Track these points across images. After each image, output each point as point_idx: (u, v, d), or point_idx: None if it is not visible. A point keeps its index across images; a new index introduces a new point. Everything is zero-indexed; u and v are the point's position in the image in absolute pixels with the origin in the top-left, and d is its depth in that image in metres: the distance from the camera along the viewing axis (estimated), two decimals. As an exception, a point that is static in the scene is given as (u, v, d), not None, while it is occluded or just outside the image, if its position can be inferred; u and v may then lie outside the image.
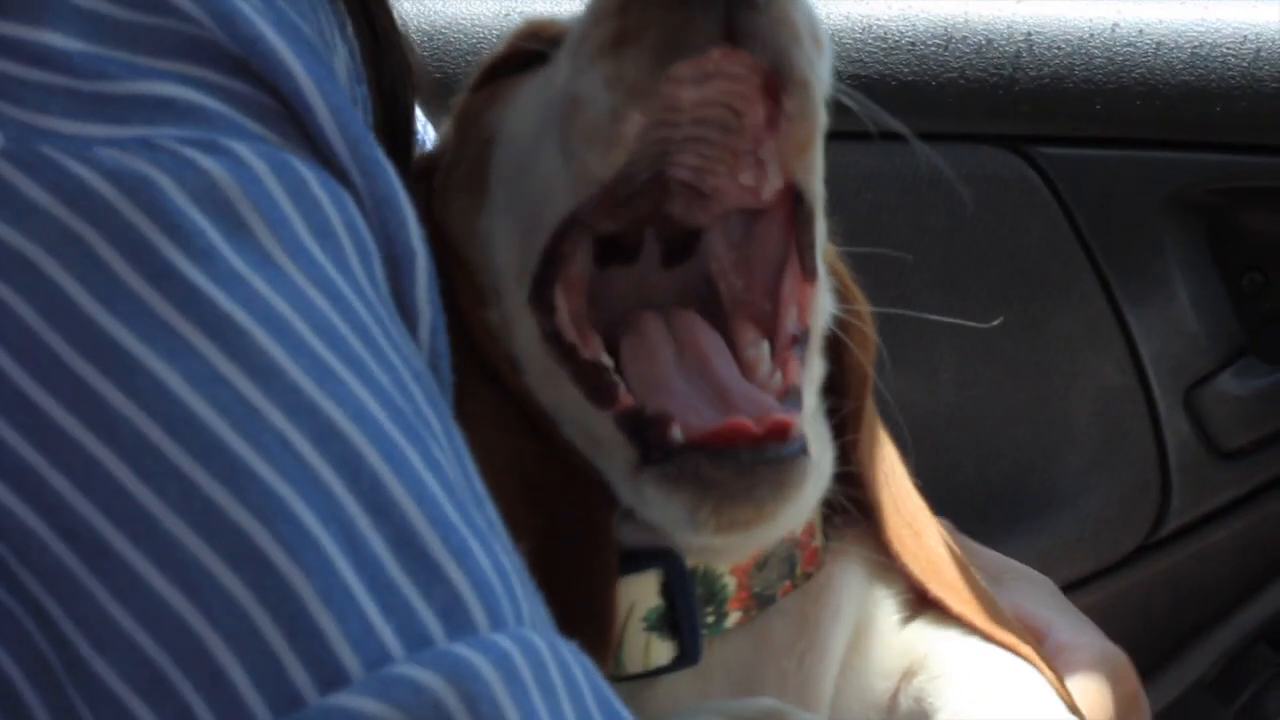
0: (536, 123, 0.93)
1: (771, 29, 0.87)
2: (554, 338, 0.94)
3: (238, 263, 0.69)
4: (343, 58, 0.82)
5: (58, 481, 0.67)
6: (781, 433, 0.88)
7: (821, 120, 0.92)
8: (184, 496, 0.66)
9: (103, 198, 0.68)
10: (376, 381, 0.70)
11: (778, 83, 0.89)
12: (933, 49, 1.89)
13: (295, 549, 0.66)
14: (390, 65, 0.91)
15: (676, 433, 0.89)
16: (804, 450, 0.90)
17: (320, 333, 0.69)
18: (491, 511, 0.73)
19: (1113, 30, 1.90)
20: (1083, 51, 1.89)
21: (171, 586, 0.65)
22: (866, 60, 1.88)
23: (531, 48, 0.99)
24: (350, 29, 0.85)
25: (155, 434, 0.66)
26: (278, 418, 0.67)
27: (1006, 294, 1.89)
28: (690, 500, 0.88)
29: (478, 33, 1.92)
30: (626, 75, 0.87)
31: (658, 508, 0.89)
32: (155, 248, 0.68)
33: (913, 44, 1.89)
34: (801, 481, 0.89)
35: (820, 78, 0.90)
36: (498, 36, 1.89)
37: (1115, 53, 1.89)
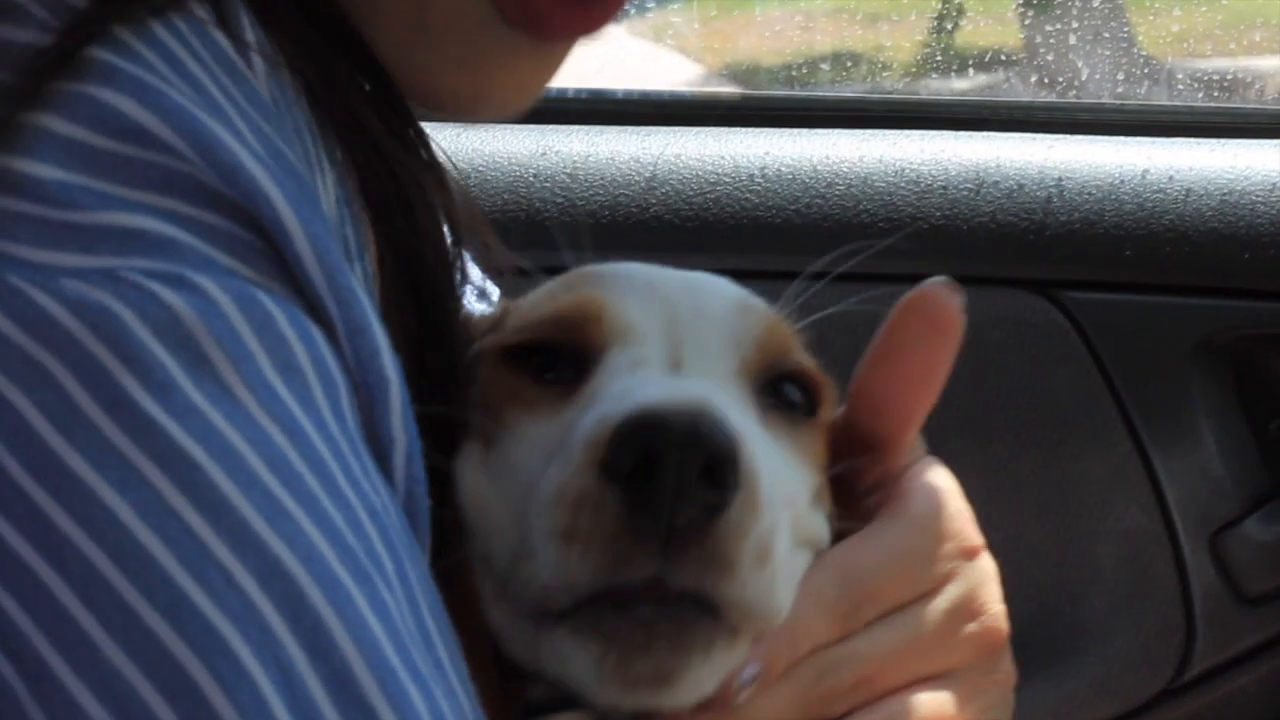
0: (525, 485, 0.93)
1: (700, 567, 0.86)
2: None
3: (197, 397, 0.69)
4: (330, 181, 0.83)
5: (7, 603, 0.67)
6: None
7: (768, 613, 0.90)
8: (126, 627, 0.66)
9: (64, 328, 0.69)
10: (329, 520, 0.70)
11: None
12: (964, 193, 1.91)
13: (231, 687, 0.66)
14: (393, 186, 0.90)
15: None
16: (714, 614, 0.88)
17: (275, 469, 0.70)
18: (442, 651, 0.73)
19: (1143, 176, 1.92)
20: (1113, 197, 1.90)
21: (107, 716, 0.65)
22: (899, 203, 1.90)
23: (553, 339, 0.99)
24: (339, 153, 0.85)
25: (103, 563, 0.67)
26: (224, 553, 0.68)
27: (1034, 437, 1.90)
28: (597, 652, 0.87)
29: (514, 170, 1.94)
30: (571, 572, 0.87)
31: (567, 663, 0.88)
32: (114, 379, 0.69)
33: (945, 187, 1.91)
34: (708, 647, 0.88)
35: (762, 589, 0.88)
36: (535, 175, 1.91)
37: (1145, 199, 1.90)
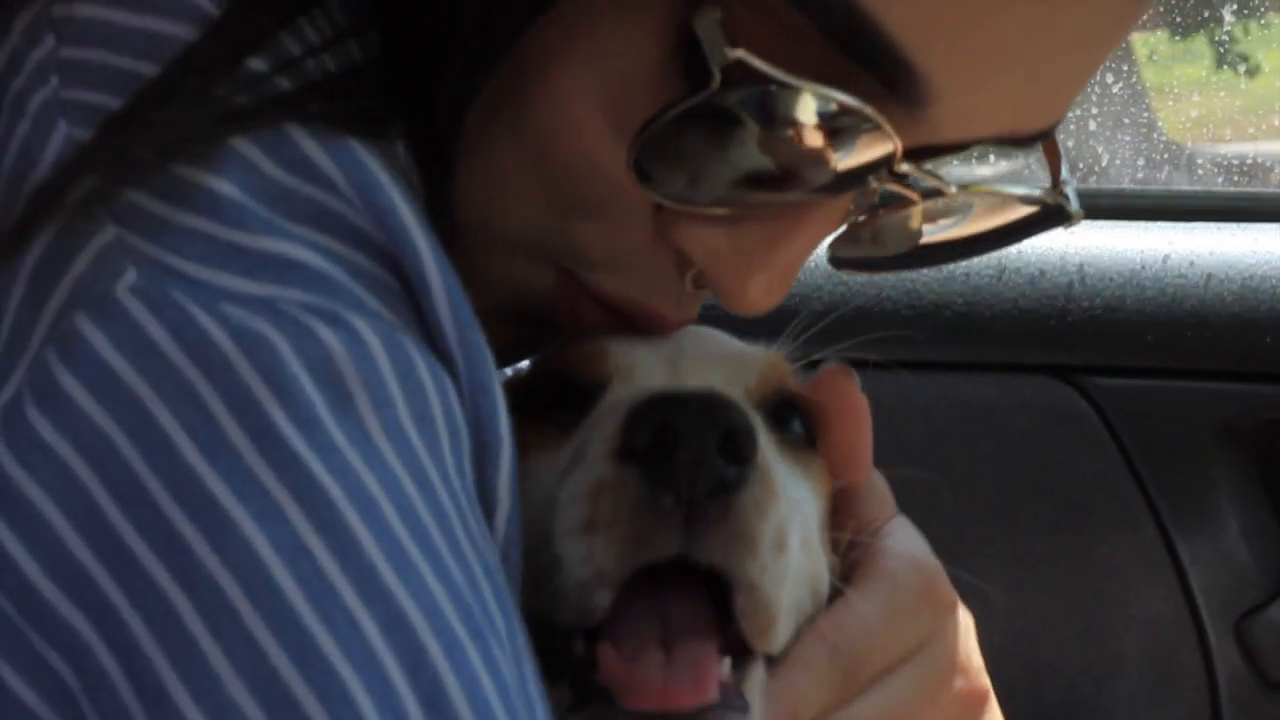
0: (542, 506, 0.93)
1: (723, 544, 0.87)
2: None
3: (339, 436, 0.70)
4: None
5: (135, 624, 0.67)
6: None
7: (779, 611, 0.90)
8: (250, 660, 0.66)
9: (221, 352, 0.69)
10: (450, 575, 0.70)
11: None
12: (987, 279, 1.92)
13: None
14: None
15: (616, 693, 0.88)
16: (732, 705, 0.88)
17: (405, 518, 0.70)
18: (542, 714, 0.73)
19: (1164, 262, 1.92)
20: (1135, 282, 1.91)
21: None
22: (922, 290, 1.91)
23: (556, 380, 1.01)
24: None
25: (234, 593, 0.67)
26: (351, 598, 0.68)
27: (1057, 522, 1.90)
28: None
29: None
30: (595, 559, 0.88)
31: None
32: (264, 409, 0.69)
33: (967, 274, 1.92)
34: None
35: (777, 578, 0.89)
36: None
37: (1166, 284, 1.91)
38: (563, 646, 0.89)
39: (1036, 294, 1.91)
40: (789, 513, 0.91)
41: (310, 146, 0.76)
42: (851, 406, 1.02)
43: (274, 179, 0.74)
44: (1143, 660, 1.90)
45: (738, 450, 0.86)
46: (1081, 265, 1.92)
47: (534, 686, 0.74)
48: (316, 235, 0.74)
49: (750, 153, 0.84)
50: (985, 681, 0.99)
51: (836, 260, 1.03)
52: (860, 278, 1.90)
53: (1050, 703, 1.89)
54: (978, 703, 0.99)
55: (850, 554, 1.01)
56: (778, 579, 0.89)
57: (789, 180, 0.85)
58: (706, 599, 0.90)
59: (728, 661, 0.89)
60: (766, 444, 0.92)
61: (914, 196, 0.93)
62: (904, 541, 1.00)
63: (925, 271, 1.91)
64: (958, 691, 0.97)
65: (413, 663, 0.68)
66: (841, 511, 1.03)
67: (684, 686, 0.88)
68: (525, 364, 1.20)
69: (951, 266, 1.92)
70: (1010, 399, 1.88)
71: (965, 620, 1.01)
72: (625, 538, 0.87)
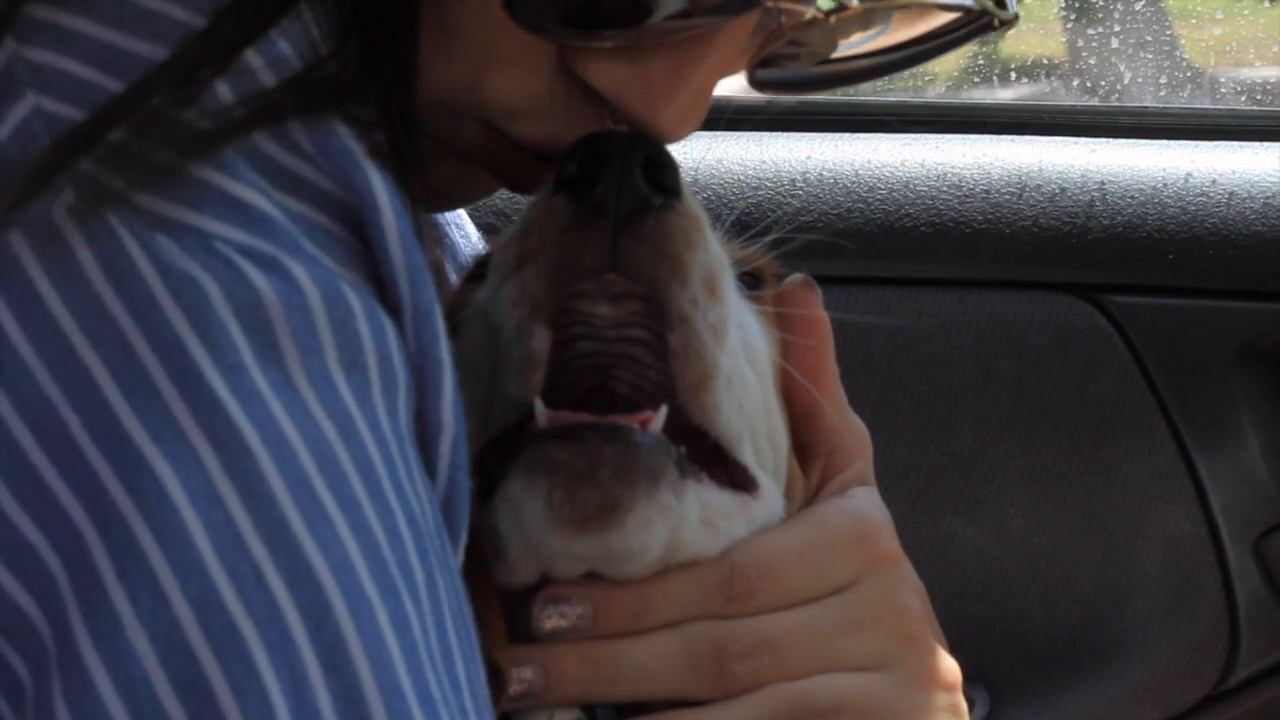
0: (474, 344, 0.95)
1: (651, 261, 0.89)
2: None
3: (261, 383, 0.69)
4: None
5: (50, 559, 0.68)
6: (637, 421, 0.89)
7: (716, 367, 0.91)
8: (153, 610, 0.66)
9: (148, 288, 0.69)
10: (367, 527, 0.70)
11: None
12: (1007, 196, 1.91)
13: (241, 690, 0.66)
14: None
15: (541, 418, 0.89)
16: (664, 446, 0.89)
17: (323, 468, 0.70)
18: (461, 668, 0.73)
19: (1186, 180, 1.91)
20: (1156, 201, 1.90)
21: (117, 699, 0.66)
22: (941, 208, 1.90)
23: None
24: None
25: (144, 536, 0.67)
26: (259, 549, 0.68)
27: (1077, 441, 1.90)
28: (545, 486, 0.87)
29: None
30: (528, 289, 0.89)
31: (525, 509, 0.88)
32: (187, 350, 0.69)
33: (987, 191, 1.91)
34: (656, 472, 0.88)
35: (712, 324, 0.90)
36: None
37: (1188, 202, 1.90)
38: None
39: (1057, 212, 1.89)
40: (727, 279, 0.93)
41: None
42: (812, 320, 1.02)
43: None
44: (1161, 579, 1.90)
45: (661, 177, 0.89)
46: (1103, 183, 1.91)
47: (454, 639, 0.73)
48: (266, 183, 0.73)
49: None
50: (920, 628, 0.97)
51: (757, 82, 1.02)
52: (880, 194, 1.90)
53: (1067, 621, 1.89)
54: (913, 646, 0.96)
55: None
56: (713, 328, 0.90)
57: (683, 8, 0.86)
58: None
59: (663, 409, 0.90)
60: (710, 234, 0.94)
61: (815, 12, 0.92)
62: (855, 497, 1.00)
63: (945, 189, 1.90)
64: (884, 628, 0.95)
65: (316, 619, 0.68)
66: (808, 443, 1.03)
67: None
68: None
69: (972, 184, 1.91)
70: (1030, 317, 1.87)
71: (907, 574, 0.99)
72: (554, 261, 0.89)
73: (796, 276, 1.03)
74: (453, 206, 1.10)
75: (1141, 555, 1.89)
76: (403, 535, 0.72)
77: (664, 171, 0.89)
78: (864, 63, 1.01)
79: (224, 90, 0.74)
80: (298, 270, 0.72)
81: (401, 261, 0.76)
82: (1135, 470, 1.89)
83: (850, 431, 1.04)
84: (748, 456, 0.95)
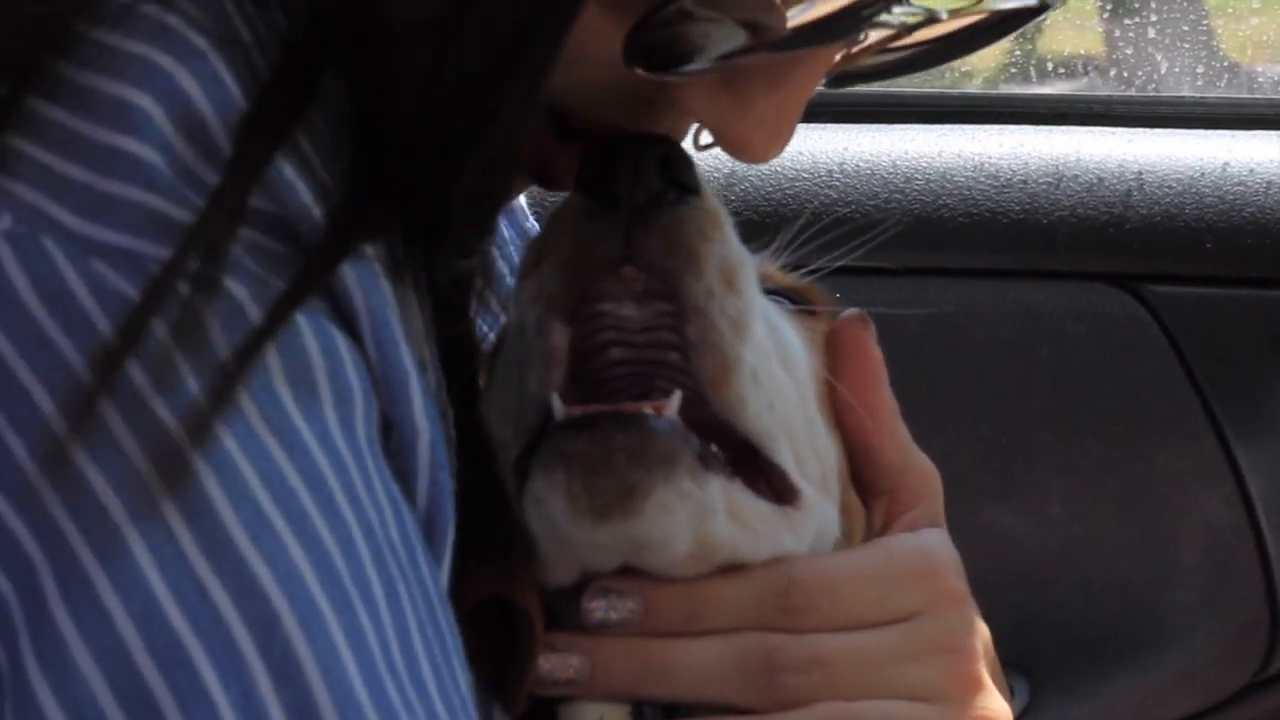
0: (509, 346, 0.95)
1: (664, 252, 0.89)
2: None
3: (199, 397, 0.69)
4: None
5: (2, 584, 0.68)
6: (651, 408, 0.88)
7: (738, 360, 0.90)
8: (98, 630, 0.66)
9: (80, 306, 0.69)
10: (317, 540, 0.70)
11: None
12: (1044, 187, 1.91)
13: (188, 705, 0.66)
14: None
15: (557, 412, 0.89)
16: (680, 432, 0.88)
17: (268, 483, 0.69)
18: (431, 679, 0.72)
19: (1224, 169, 1.91)
20: (1193, 190, 1.90)
21: (59, 710, 0.66)
22: (978, 198, 1.90)
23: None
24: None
25: (87, 558, 0.67)
26: (203, 566, 0.67)
27: (1116, 430, 1.89)
28: (564, 480, 0.87)
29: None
30: (545, 286, 0.90)
31: (548, 506, 0.88)
32: (124, 370, 0.69)
33: (1024, 182, 1.91)
34: (671, 456, 0.87)
35: (730, 316, 0.90)
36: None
37: (1226, 191, 1.90)
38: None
39: (1095, 201, 1.89)
40: (747, 274, 0.92)
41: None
42: (864, 357, 1.00)
43: (182, 154, 0.73)
44: (1201, 568, 1.89)
45: (678, 173, 0.89)
46: (1140, 173, 1.91)
47: (420, 649, 0.72)
48: (200, 199, 0.73)
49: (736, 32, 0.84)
50: (979, 670, 0.95)
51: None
52: (916, 185, 1.90)
53: (1107, 610, 1.89)
54: (967, 686, 0.94)
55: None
56: (731, 320, 0.90)
57: (785, 40, 0.85)
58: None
59: (677, 394, 0.89)
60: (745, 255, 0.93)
61: (909, 19, 0.92)
62: (924, 534, 0.99)
63: (982, 180, 1.91)
64: (940, 663, 0.94)
65: (264, 633, 0.67)
66: (868, 481, 1.01)
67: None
68: None
69: (1009, 174, 1.91)
70: (1068, 307, 1.87)
71: (971, 618, 0.97)
72: (567, 255, 0.89)
73: (851, 312, 1.02)
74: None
75: (1181, 544, 1.89)
76: (358, 547, 0.71)
77: (680, 167, 0.89)
78: (914, 51, 1.00)
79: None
80: (239, 291, 0.72)
81: (352, 274, 0.75)
82: (1174, 459, 1.89)
83: (914, 472, 1.02)
84: (786, 460, 0.94)
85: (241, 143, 0.74)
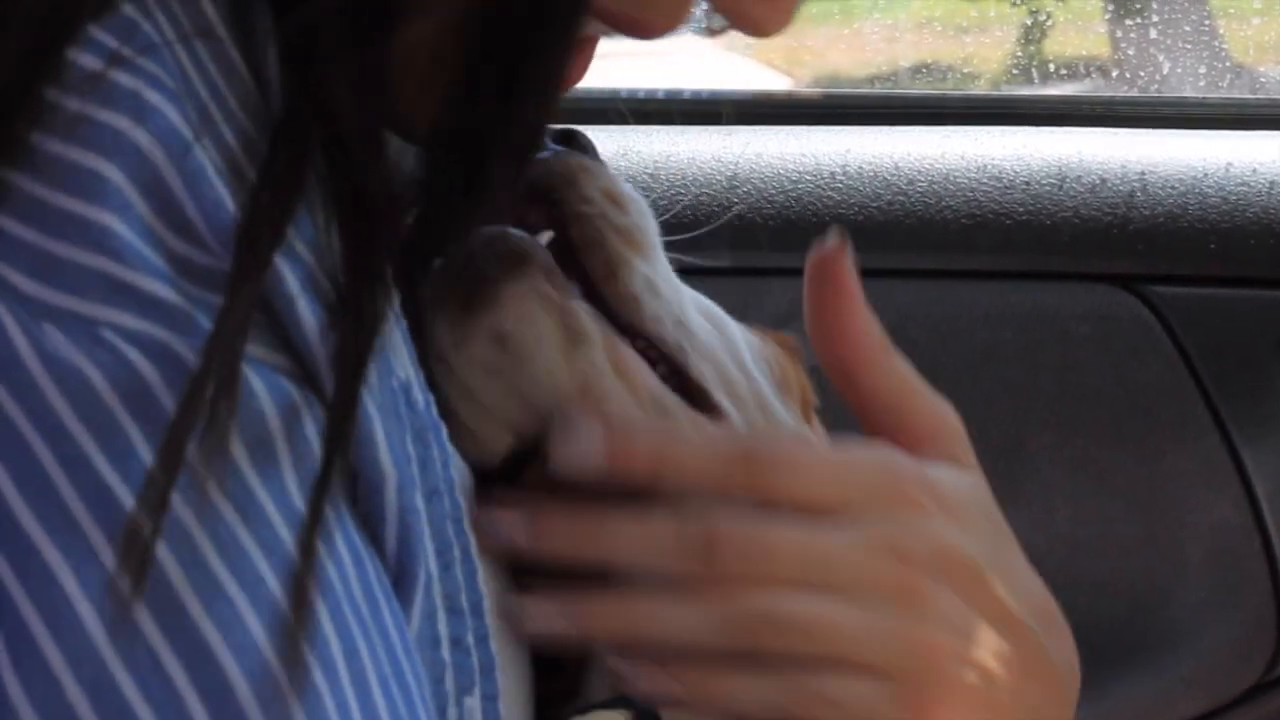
0: None
1: (546, 175, 0.93)
2: None
3: (151, 465, 0.68)
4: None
5: None
6: None
7: (627, 263, 0.91)
8: (47, 698, 0.66)
9: (29, 374, 0.68)
10: (271, 604, 0.69)
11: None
12: (1047, 188, 1.91)
13: None
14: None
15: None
16: (540, 246, 0.92)
17: (221, 548, 0.68)
18: None
19: (1227, 170, 1.91)
20: (1197, 191, 1.90)
21: None
22: (981, 199, 1.90)
23: None
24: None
25: (38, 628, 0.66)
26: (155, 635, 0.67)
27: (1120, 432, 1.89)
28: (440, 298, 0.90)
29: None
30: None
31: (442, 347, 0.89)
32: (73, 437, 0.68)
33: (1027, 183, 1.91)
34: (526, 255, 0.90)
35: (616, 226, 0.91)
36: (616, 175, 1.93)
37: (1229, 192, 1.89)
38: None
39: (1098, 203, 1.89)
40: (639, 207, 0.94)
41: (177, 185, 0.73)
42: (839, 284, 0.94)
43: (150, 224, 0.72)
44: (1207, 569, 1.89)
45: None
46: (1143, 174, 1.91)
47: (384, 700, 0.71)
48: (161, 263, 0.71)
49: None
50: (923, 582, 0.89)
51: None
52: (919, 187, 1.90)
53: (1113, 611, 1.89)
54: (909, 597, 0.88)
55: None
56: (618, 230, 0.91)
57: None
58: None
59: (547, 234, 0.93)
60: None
61: None
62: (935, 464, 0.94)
63: (985, 181, 1.90)
64: (889, 572, 0.88)
65: (217, 701, 0.66)
66: (862, 418, 0.96)
67: None
68: None
69: (1012, 176, 1.91)
70: (1072, 308, 1.87)
71: (947, 538, 0.92)
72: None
73: (829, 239, 0.95)
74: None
75: (1187, 545, 1.89)
76: (314, 608, 0.70)
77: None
78: None
79: None
80: (190, 357, 0.70)
81: (310, 322, 0.74)
82: (1179, 460, 1.88)
83: (918, 412, 0.97)
84: (708, 380, 0.92)
85: (241, 243, 0.73)
